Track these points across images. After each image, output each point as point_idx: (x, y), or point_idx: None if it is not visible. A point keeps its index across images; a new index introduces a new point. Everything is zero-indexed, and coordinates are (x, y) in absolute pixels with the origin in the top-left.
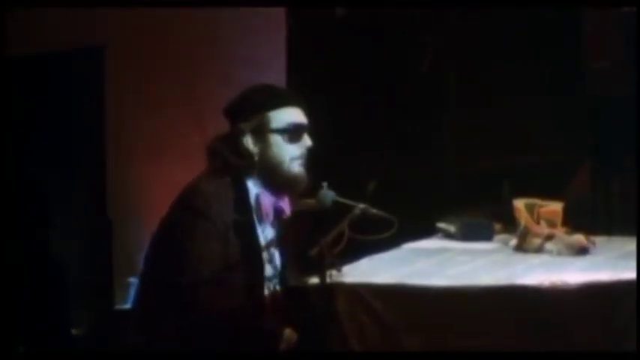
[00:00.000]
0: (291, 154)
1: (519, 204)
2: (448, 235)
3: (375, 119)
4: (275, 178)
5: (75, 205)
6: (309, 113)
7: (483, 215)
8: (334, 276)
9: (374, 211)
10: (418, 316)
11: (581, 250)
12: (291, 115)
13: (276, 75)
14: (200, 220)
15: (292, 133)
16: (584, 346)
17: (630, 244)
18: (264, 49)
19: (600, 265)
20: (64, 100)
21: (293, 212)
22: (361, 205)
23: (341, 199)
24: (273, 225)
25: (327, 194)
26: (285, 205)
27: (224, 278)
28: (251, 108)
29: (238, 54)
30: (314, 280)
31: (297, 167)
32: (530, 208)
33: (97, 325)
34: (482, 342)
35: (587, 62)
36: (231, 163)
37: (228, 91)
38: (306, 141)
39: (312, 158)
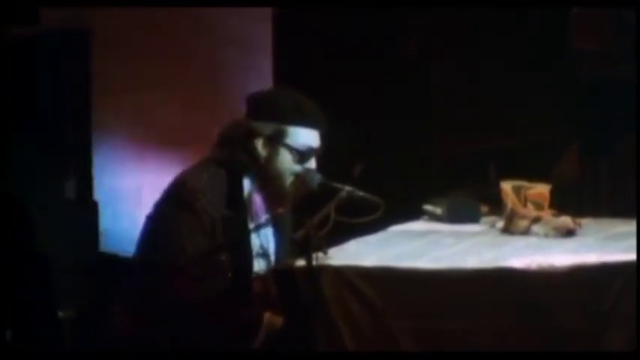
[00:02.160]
0: (293, 172)
1: (506, 186)
2: (435, 218)
3: (361, 102)
4: (270, 188)
5: (60, 188)
6: (325, 135)
7: (470, 197)
8: (320, 258)
9: (360, 193)
10: (404, 299)
11: (568, 233)
12: (309, 137)
13: (263, 57)
14: (186, 213)
15: (303, 154)
16: (570, 328)
17: (618, 226)
18: (252, 30)
19: (587, 247)
20: (49, 82)
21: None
22: (347, 188)
23: (327, 182)
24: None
25: (314, 176)
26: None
27: (209, 271)
28: (274, 113)
29: (225, 36)
30: (300, 262)
31: (292, 187)
32: (517, 191)
33: (84, 308)
34: (467, 324)
35: (574, 44)
36: (237, 159)
37: (214, 74)
38: (312, 164)
39: None
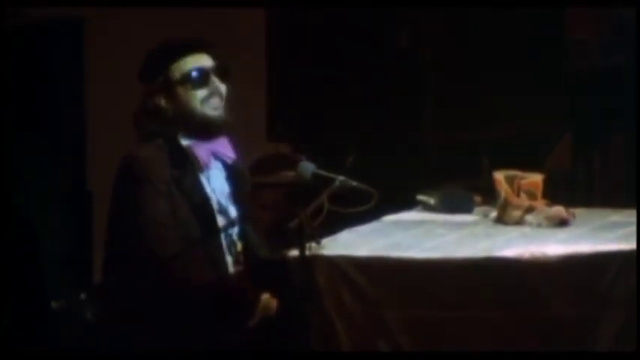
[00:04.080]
0: (200, 98)
1: (499, 176)
2: (428, 208)
3: (354, 93)
4: (192, 126)
5: (55, 179)
6: (218, 55)
7: (463, 187)
8: (313, 248)
9: (353, 183)
10: (398, 289)
11: (561, 222)
12: (193, 61)
13: (255, 50)
14: (140, 185)
15: (196, 79)
16: (563, 317)
17: (610, 216)
18: (244, 24)
19: (580, 236)
20: (43, 72)
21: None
22: (341, 178)
23: (320, 172)
24: (223, 172)
25: (307, 167)
26: (225, 149)
27: (183, 237)
28: (153, 68)
29: (218, 29)
30: (293, 252)
31: (210, 110)
32: (510, 180)
33: (78, 299)
34: (460, 314)
35: (567, 35)
36: (148, 128)
37: None
38: (215, 83)
39: (292, 130)
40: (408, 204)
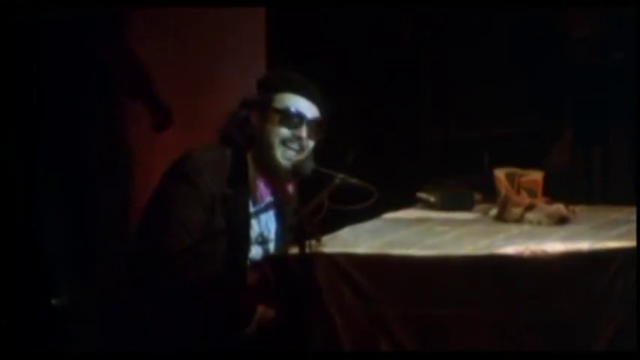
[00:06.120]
0: (282, 137)
1: (500, 173)
2: (428, 205)
3: (355, 91)
4: (263, 160)
5: (55, 179)
6: (324, 112)
7: (463, 185)
8: (313, 246)
9: (353, 180)
10: (398, 286)
11: (562, 220)
12: (297, 102)
13: (256, 45)
14: (186, 186)
15: (290, 117)
16: (563, 314)
17: (611, 213)
18: (244, 23)
19: (580, 234)
20: (45, 71)
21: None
22: (341, 175)
23: (320, 169)
24: (274, 208)
25: (307, 164)
26: (284, 190)
27: (205, 250)
28: (266, 85)
29: (218, 29)
30: (293, 250)
31: (281, 157)
32: (510, 178)
33: (79, 294)
34: (460, 311)
35: (567, 32)
36: (229, 132)
37: (211, 60)
38: (302, 131)
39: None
40: (409, 201)
